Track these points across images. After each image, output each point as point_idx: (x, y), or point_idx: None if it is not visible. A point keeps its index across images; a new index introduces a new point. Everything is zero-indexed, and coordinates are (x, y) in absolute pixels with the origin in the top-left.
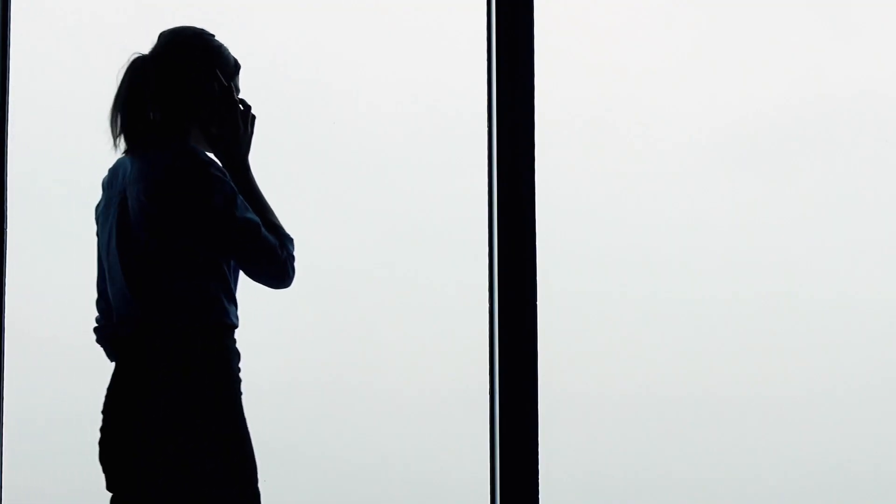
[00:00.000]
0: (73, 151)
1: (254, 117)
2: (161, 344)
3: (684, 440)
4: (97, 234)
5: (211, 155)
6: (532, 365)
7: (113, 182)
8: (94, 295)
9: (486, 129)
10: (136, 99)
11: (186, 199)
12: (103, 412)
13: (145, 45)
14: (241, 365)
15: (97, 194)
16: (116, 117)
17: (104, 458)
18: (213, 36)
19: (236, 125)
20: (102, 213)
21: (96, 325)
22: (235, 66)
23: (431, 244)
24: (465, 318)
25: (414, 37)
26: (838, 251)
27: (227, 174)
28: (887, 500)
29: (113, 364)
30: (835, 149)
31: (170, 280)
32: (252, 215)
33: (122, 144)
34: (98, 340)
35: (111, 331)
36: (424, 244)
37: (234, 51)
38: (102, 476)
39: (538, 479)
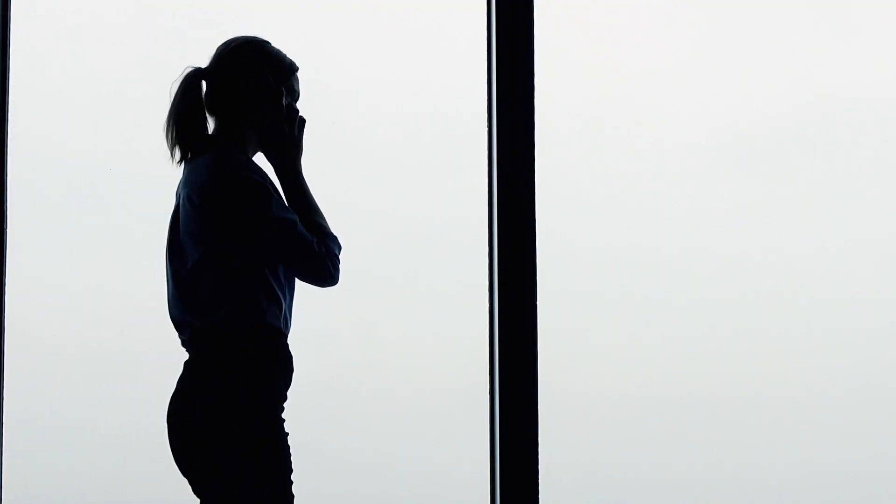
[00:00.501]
0: (73, 153)
1: (303, 120)
2: (205, 347)
3: (684, 440)
4: None
5: (261, 157)
6: (532, 365)
7: (178, 191)
8: (93, 296)
9: (486, 129)
10: (188, 109)
11: (221, 202)
12: (167, 415)
13: (145, 46)
14: (293, 367)
15: (97, 195)
16: (171, 129)
17: (179, 465)
18: (267, 42)
19: (281, 127)
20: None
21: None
22: (290, 69)
23: (431, 244)
24: (465, 319)
25: (414, 37)
26: (837, 252)
27: (264, 175)
28: (886, 500)
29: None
30: (834, 150)
31: (210, 283)
32: (289, 214)
33: (178, 155)
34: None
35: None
36: (424, 244)
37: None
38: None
39: (538, 479)
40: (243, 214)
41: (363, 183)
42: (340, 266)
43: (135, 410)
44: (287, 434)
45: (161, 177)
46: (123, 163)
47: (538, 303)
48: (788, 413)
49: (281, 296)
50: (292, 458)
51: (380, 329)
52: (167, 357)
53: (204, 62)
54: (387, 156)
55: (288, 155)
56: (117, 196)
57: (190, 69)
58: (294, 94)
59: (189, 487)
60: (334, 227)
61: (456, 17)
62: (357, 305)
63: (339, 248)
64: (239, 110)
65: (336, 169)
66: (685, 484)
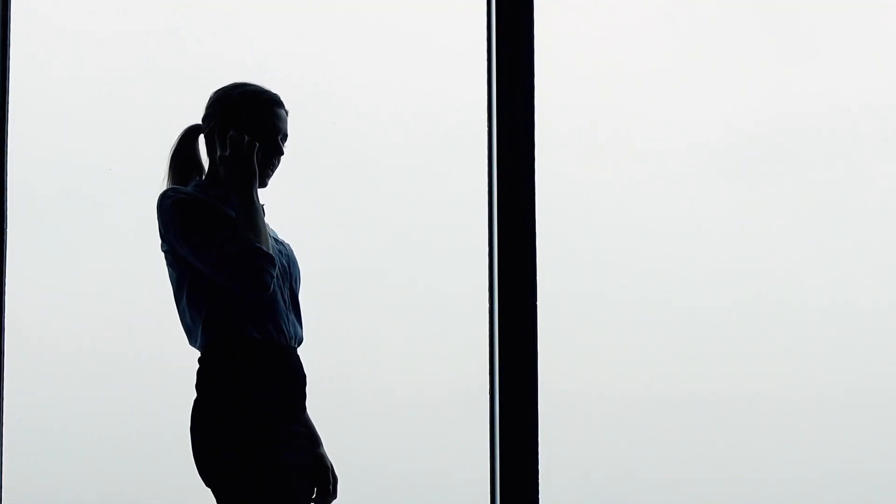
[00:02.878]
0: (72, 154)
1: (251, 145)
2: (200, 366)
3: (683, 440)
4: None
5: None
6: (532, 365)
7: None
8: (93, 296)
9: (486, 130)
10: (181, 162)
11: (167, 234)
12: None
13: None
14: (287, 375)
15: (97, 196)
16: (167, 183)
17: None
18: (241, 85)
19: (224, 159)
20: None
21: None
22: (252, 99)
23: (432, 245)
24: (465, 319)
25: (414, 40)
26: (834, 255)
27: (193, 197)
28: (885, 500)
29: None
30: (833, 152)
31: (187, 309)
32: (219, 233)
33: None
34: None
35: None
36: (424, 245)
37: (233, 53)
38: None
39: (538, 479)
40: (179, 241)
41: (363, 184)
42: (268, 277)
43: (134, 411)
44: (291, 439)
45: (161, 177)
46: (123, 164)
47: (538, 303)
48: (787, 413)
49: (267, 307)
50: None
51: (380, 329)
52: (167, 358)
53: (204, 66)
54: (387, 157)
55: (237, 179)
56: (117, 197)
57: (187, 126)
58: (252, 121)
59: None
60: (335, 228)
61: (456, 18)
62: (357, 306)
63: (265, 260)
64: (212, 153)
65: (336, 170)
66: (685, 484)
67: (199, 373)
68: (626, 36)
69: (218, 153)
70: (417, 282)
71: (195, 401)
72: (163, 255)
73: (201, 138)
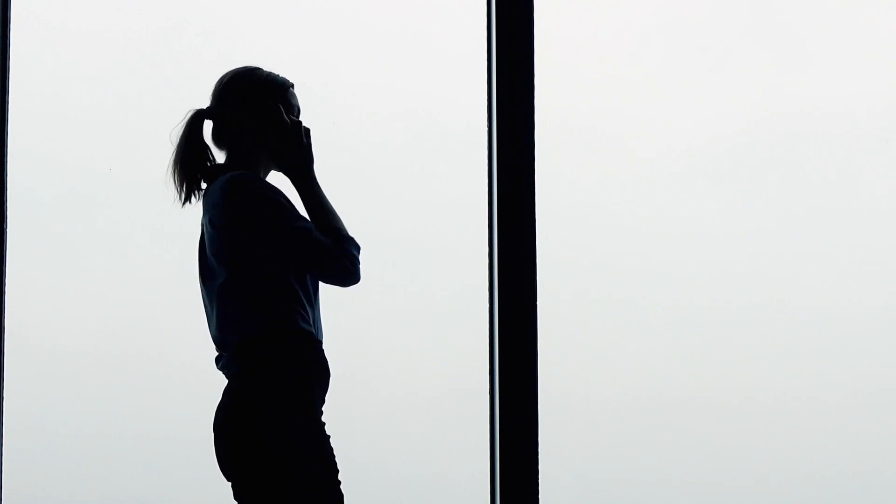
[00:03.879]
0: (72, 155)
1: (307, 130)
2: (247, 360)
3: (683, 441)
4: None
5: (276, 174)
6: (532, 366)
7: (202, 219)
8: (92, 299)
9: (486, 130)
10: (192, 150)
11: (238, 219)
12: (214, 429)
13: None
14: (330, 370)
15: (96, 197)
16: (176, 170)
17: (224, 472)
18: (257, 68)
19: (289, 141)
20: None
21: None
22: (284, 86)
23: (432, 245)
24: (465, 319)
25: (414, 40)
26: (832, 256)
27: (275, 189)
28: (885, 502)
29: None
30: (828, 155)
31: (241, 299)
32: (304, 222)
33: (184, 195)
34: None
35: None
36: (425, 245)
37: (233, 55)
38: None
39: (538, 479)
40: (260, 228)
41: (363, 184)
42: (360, 265)
43: (134, 411)
44: (329, 437)
45: (161, 178)
46: (123, 164)
47: (538, 303)
48: (786, 414)
49: (307, 302)
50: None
51: (380, 329)
52: (167, 358)
53: (203, 65)
54: (387, 157)
55: (301, 166)
56: (117, 198)
57: (192, 112)
58: (292, 108)
59: (190, 489)
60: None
61: (456, 18)
62: (357, 306)
63: (357, 248)
64: (247, 137)
65: (336, 170)
66: (684, 484)
67: (246, 364)
68: (626, 36)
69: (246, 136)
70: (417, 282)
71: (242, 392)
72: (207, 241)
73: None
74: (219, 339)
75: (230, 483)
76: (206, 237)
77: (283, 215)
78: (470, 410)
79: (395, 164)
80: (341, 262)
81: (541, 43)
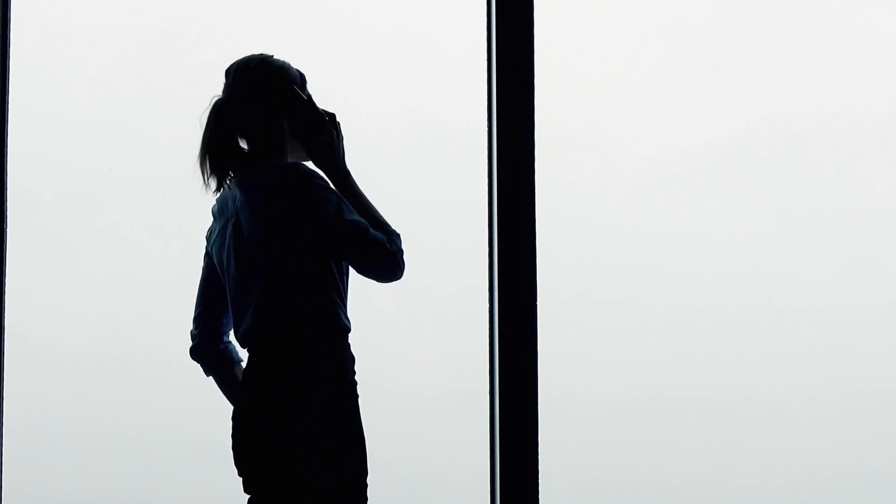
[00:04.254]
0: (73, 155)
1: (338, 122)
2: (285, 353)
3: (683, 441)
4: (208, 257)
5: (310, 165)
6: (532, 366)
7: (224, 209)
8: (93, 299)
9: (486, 131)
10: (223, 138)
11: (298, 211)
12: (234, 420)
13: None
14: (356, 368)
15: (97, 196)
16: (206, 159)
17: (240, 463)
18: (273, 56)
19: (329, 133)
20: (217, 237)
21: (194, 342)
22: (302, 79)
23: (432, 245)
24: (465, 319)
25: (414, 40)
26: (833, 257)
27: (329, 181)
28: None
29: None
30: (827, 155)
31: (288, 291)
32: (357, 217)
33: (214, 183)
34: (194, 356)
35: (212, 348)
36: (425, 245)
37: (232, 56)
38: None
39: (538, 479)
40: (322, 221)
41: (363, 184)
42: (404, 261)
43: (134, 411)
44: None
45: (161, 178)
46: (123, 164)
47: (538, 303)
48: (786, 415)
49: (344, 294)
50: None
51: (380, 329)
52: (167, 358)
53: (203, 65)
54: (387, 157)
55: (337, 157)
56: (117, 198)
57: (217, 98)
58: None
59: (190, 489)
60: None
61: (456, 18)
62: (357, 306)
63: (401, 241)
64: (278, 126)
65: None
66: (684, 484)
67: (294, 355)
68: (626, 36)
69: (275, 125)
70: (417, 282)
71: (291, 384)
72: (251, 231)
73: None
74: (252, 330)
75: (250, 477)
76: (248, 228)
77: (340, 209)
78: (470, 410)
79: (395, 164)
80: (395, 259)
81: (541, 43)
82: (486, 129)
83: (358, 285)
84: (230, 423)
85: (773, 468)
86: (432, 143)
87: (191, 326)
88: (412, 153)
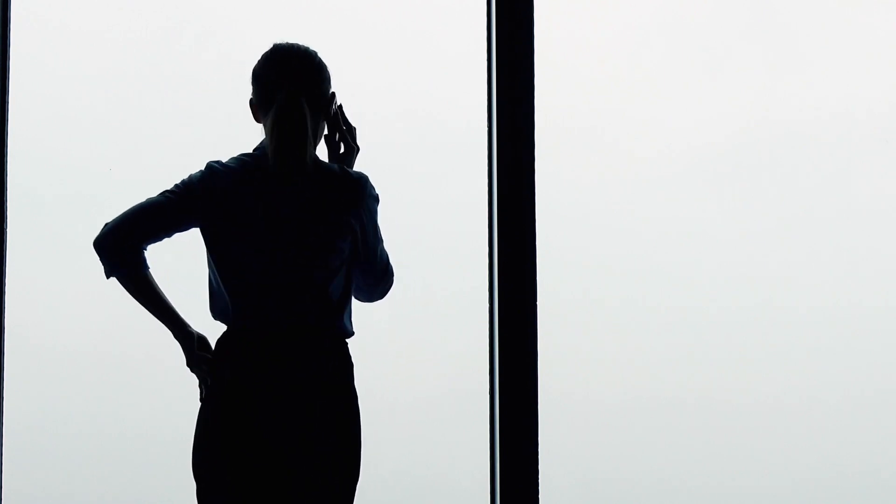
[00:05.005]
0: (73, 155)
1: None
2: (327, 350)
3: (683, 441)
4: (191, 200)
5: None
6: (532, 366)
7: (252, 180)
8: (93, 299)
9: (486, 131)
10: (302, 128)
11: (362, 219)
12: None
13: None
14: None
15: (97, 197)
16: (303, 144)
17: (232, 459)
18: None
19: (354, 150)
20: (253, 223)
21: (106, 240)
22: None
23: (432, 245)
24: (465, 319)
25: (414, 41)
26: (832, 257)
27: None
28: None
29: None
30: (825, 156)
31: (338, 291)
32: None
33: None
34: (102, 250)
35: (129, 256)
36: (424, 245)
37: (233, 55)
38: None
39: (538, 479)
40: (374, 235)
41: None
42: None
43: (134, 411)
44: None
45: (161, 178)
46: (123, 164)
47: (538, 303)
48: (786, 415)
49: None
50: None
51: (380, 329)
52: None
53: (204, 65)
54: (387, 157)
55: (352, 164)
56: (117, 198)
57: (292, 94)
58: None
59: (190, 489)
60: None
61: (456, 18)
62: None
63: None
64: (319, 125)
65: None
66: (684, 484)
67: (342, 358)
68: (626, 36)
69: (326, 132)
70: (417, 282)
71: (348, 390)
72: (332, 233)
73: None
74: (297, 322)
75: (244, 473)
76: (297, 214)
77: (378, 231)
78: (470, 410)
79: (395, 164)
80: (388, 289)
81: (541, 43)
82: (486, 129)
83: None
84: (218, 410)
85: (773, 468)
86: (432, 143)
87: (108, 221)
88: (412, 153)
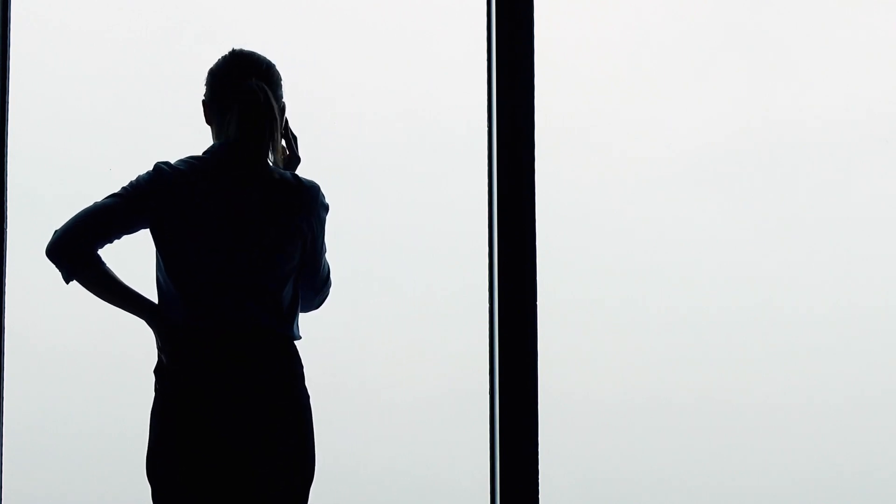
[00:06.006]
0: (73, 155)
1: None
2: (283, 354)
3: (683, 442)
4: (142, 200)
5: None
6: (532, 366)
7: (200, 178)
8: (93, 299)
9: (486, 132)
10: (270, 112)
11: (312, 226)
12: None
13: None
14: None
15: (97, 197)
16: (271, 142)
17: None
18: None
19: (295, 145)
20: (202, 200)
21: (60, 243)
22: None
23: (432, 246)
24: (465, 319)
25: (414, 41)
26: (832, 258)
27: None
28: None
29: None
30: (824, 158)
31: (289, 295)
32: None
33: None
34: (56, 256)
35: (85, 258)
36: (424, 246)
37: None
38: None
39: (538, 479)
40: (321, 244)
41: (363, 185)
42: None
43: (134, 411)
44: None
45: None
46: (123, 164)
47: (538, 303)
48: (785, 415)
49: None
50: None
51: (380, 329)
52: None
53: (203, 65)
54: (387, 157)
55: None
56: None
57: (259, 84)
58: None
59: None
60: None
61: (456, 19)
62: (357, 306)
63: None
64: (273, 130)
65: (336, 171)
66: (684, 484)
67: (297, 362)
68: (626, 37)
69: (283, 139)
70: (417, 282)
71: (300, 390)
72: (283, 236)
73: None
74: (258, 325)
75: (203, 475)
76: (255, 216)
77: (324, 242)
78: (470, 410)
79: (395, 164)
80: (324, 299)
81: (541, 43)
82: (486, 129)
83: (360, 285)
84: (174, 411)
85: (773, 468)
86: (432, 144)
87: (58, 227)
88: (412, 154)
